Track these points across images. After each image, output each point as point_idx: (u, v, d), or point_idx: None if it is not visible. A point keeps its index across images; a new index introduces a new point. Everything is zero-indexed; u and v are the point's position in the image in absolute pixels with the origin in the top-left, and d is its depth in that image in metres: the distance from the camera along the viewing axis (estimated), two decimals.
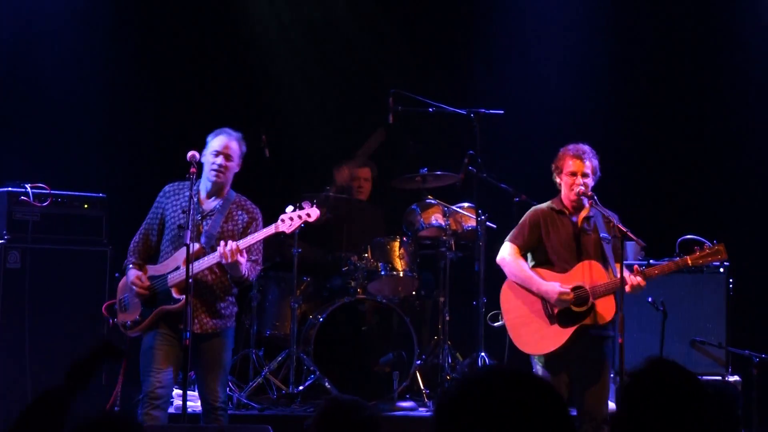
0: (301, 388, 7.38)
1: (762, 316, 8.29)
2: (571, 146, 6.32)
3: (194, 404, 6.39)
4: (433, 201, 7.96)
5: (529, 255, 6.28)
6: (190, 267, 5.60)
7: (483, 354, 7.49)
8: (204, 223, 5.92)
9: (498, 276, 7.25)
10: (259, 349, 7.78)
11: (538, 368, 6.13)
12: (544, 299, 6.11)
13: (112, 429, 2.77)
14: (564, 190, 6.30)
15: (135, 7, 8.72)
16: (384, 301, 7.75)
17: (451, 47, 9.25)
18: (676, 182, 8.94)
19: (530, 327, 6.14)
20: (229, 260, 5.69)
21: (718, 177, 8.85)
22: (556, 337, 6.08)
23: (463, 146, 7.75)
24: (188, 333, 5.54)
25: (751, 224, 8.69)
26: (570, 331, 6.07)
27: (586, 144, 6.31)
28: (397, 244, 7.86)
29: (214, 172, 5.96)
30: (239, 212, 6.02)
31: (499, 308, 6.38)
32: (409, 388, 7.59)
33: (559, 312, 6.09)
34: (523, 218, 6.33)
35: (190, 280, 5.63)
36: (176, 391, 6.38)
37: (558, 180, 6.32)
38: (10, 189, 7.06)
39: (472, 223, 7.80)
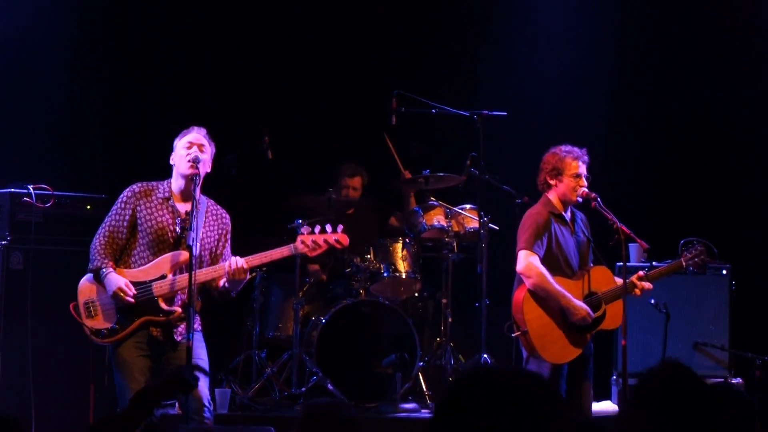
0: (303, 389, 7.38)
1: (765, 318, 8.28)
2: (567, 148, 6.35)
3: None
4: (435, 202, 7.96)
5: None
6: (193, 273, 5.33)
7: (485, 355, 7.49)
8: (189, 231, 5.46)
9: (500, 278, 7.26)
10: (261, 351, 7.78)
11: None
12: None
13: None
14: (563, 192, 6.31)
15: (137, 8, 8.71)
16: (386, 302, 7.75)
17: (455, 49, 9.24)
18: (678, 184, 8.93)
19: (554, 335, 6.21)
20: (234, 277, 5.49)
21: (721, 179, 8.83)
22: (577, 343, 6.22)
23: (465, 148, 7.75)
24: (191, 334, 5.30)
25: (754, 226, 8.69)
26: (588, 336, 6.26)
27: (568, 145, 6.38)
28: (399, 245, 7.86)
29: (189, 163, 5.56)
30: (214, 222, 5.71)
31: (506, 313, 6.40)
32: (412, 389, 7.59)
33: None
34: (530, 224, 6.29)
35: (179, 291, 5.48)
36: None
37: (553, 182, 6.32)
38: (12, 190, 7.05)
39: (475, 224, 7.79)
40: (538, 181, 6.42)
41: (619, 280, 6.28)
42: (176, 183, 5.70)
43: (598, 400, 7.58)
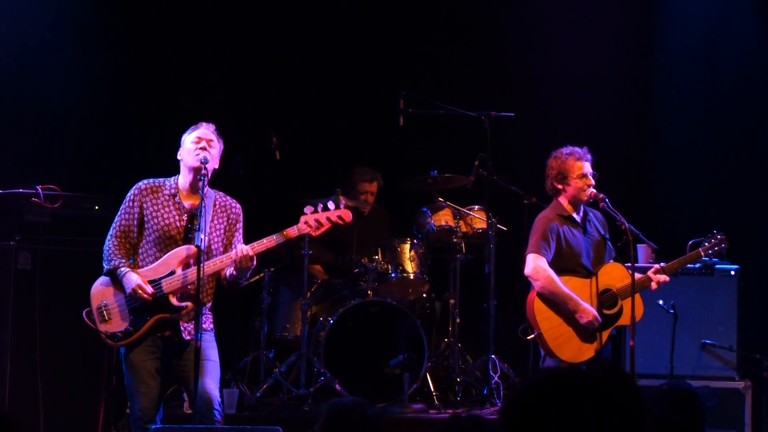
0: (311, 389, 7.38)
1: None
2: (568, 150, 6.36)
3: None
4: (443, 203, 7.96)
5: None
6: (201, 268, 5.32)
7: (493, 356, 7.49)
8: (196, 231, 5.43)
9: (508, 278, 7.26)
10: (269, 351, 7.78)
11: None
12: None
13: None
14: (572, 194, 6.32)
15: (142, 9, 8.72)
16: (394, 303, 7.75)
17: (462, 49, 9.24)
18: (687, 185, 8.92)
19: (568, 335, 6.23)
20: (241, 265, 5.44)
21: (730, 180, 8.81)
22: (593, 341, 6.23)
23: (473, 148, 7.75)
24: (199, 335, 5.29)
25: (762, 227, 8.66)
26: (606, 334, 6.27)
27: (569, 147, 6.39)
28: (407, 246, 7.86)
29: (197, 157, 5.51)
30: (222, 213, 5.66)
31: (515, 314, 6.42)
32: (420, 390, 7.59)
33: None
34: (537, 228, 6.31)
35: (189, 286, 5.43)
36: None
37: (561, 186, 6.33)
38: (21, 191, 7.06)
39: (483, 225, 7.79)
40: (546, 187, 6.43)
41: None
42: (184, 178, 5.65)
43: None
